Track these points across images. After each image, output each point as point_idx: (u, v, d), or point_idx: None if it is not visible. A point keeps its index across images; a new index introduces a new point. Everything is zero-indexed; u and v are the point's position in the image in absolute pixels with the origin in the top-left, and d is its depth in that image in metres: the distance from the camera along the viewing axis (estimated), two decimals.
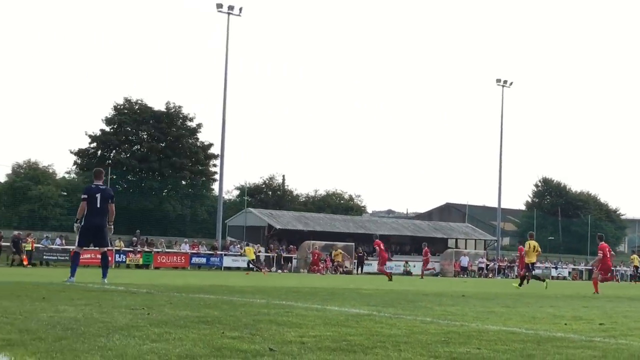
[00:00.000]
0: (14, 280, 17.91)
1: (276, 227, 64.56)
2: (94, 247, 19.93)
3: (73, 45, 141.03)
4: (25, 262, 44.24)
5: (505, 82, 75.58)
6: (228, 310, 10.22)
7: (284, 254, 59.33)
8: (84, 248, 19.91)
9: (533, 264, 31.33)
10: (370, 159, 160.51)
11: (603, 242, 26.74)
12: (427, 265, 50.89)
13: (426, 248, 49.30)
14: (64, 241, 50.97)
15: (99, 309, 9.54)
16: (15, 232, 47.95)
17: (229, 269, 53.55)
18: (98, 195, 17.87)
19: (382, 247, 39.58)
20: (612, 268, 34.25)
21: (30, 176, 70.15)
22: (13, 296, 11.62)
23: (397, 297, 16.00)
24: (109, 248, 19.63)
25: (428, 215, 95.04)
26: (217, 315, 9.18)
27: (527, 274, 31.03)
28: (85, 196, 17.89)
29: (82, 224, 17.86)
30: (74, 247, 18.85)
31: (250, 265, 48.43)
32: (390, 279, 35.12)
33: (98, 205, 17.80)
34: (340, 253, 55.49)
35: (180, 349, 6.23)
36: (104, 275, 18.13)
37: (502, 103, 76.05)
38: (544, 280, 29.99)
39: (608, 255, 26.46)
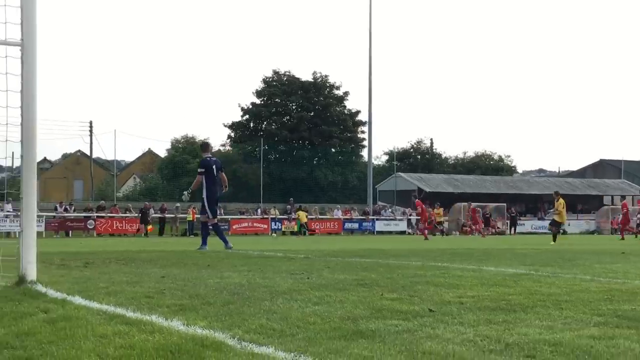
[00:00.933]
0: (179, 249, 18.57)
1: (426, 191, 64.14)
2: None
3: (225, 23, 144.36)
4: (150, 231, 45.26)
5: None
6: (385, 272, 10.29)
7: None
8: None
9: None
10: (518, 118, 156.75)
11: None
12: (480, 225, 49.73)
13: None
14: (222, 211, 52.51)
15: (261, 274, 9.79)
16: (146, 203, 49.46)
17: (381, 233, 53.88)
18: (214, 167, 18.42)
19: (423, 207, 40.01)
20: None
21: (188, 150, 72.28)
22: (180, 264, 12.08)
23: (553, 256, 15.64)
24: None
25: (581, 173, 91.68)
26: (374, 278, 9.26)
27: None
28: (203, 169, 18.39)
29: (207, 195, 18.35)
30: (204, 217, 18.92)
31: (303, 229, 49.78)
32: (426, 239, 35.45)
33: (215, 175, 18.45)
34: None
35: (342, 311, 6.33)
36: (227, 242, 18.91)
37: None
38: None
39: None
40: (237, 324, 5.61)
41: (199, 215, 48.17)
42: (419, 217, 42.63)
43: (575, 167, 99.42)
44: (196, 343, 4.90)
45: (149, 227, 45.55)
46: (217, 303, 6.65)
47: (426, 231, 38.61)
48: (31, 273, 7.64)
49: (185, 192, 20.26)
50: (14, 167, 41.16)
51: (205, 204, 18.56)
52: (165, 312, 6.11)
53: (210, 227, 19.29)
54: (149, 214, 45.92)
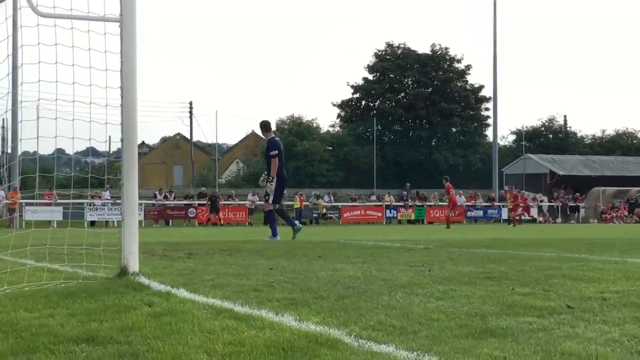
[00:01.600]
0: (287, 239, 18.66)
1: (559, 174, 62.84)
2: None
3: None
4: (222, 221, 45.15)
5: None
6: (515, 265, 10.11)
7: (570, 203, 57.66)
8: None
9: None
10: None
11: None
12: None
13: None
14: (332, 198, 52.82)
15: (377, 266, 9.76)
16: (216, 191, 49.38)
17: (507, 220, 53.15)
18: (282, 148, 18.24)
19: (451, 192, 38.49)
20: None
21: (294, 132, 72.46)
22: (289, 255, 12.09)
23: None
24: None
25: None
26: (503, 271, 9.11)
27: None
28: (276, 152, 18.01)
29: (277, 179, 18.04)
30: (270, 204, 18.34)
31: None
32: (448, 227, 34.90)
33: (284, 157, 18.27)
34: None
35: (468, 307, 6.27)
36: (294, 223, 19.20)
37: None
38: None
39: None
40: (353, 319, 5.64)
41: (306, 203, 49.27)
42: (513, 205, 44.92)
43: None
44: (310, 340, 4.95)
45: (221, 216, 45.69)
46: (331, 297, 6.69)
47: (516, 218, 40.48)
48: (133, 264, 7.82)
49: (264, 175, 19.01)
50: (111, 151, 42.32)
51: (273, 189, 18.19)
52: (276, 307, 6.18)
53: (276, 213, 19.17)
54: (218, 202, 46.22)
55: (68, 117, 7.93)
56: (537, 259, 11.23)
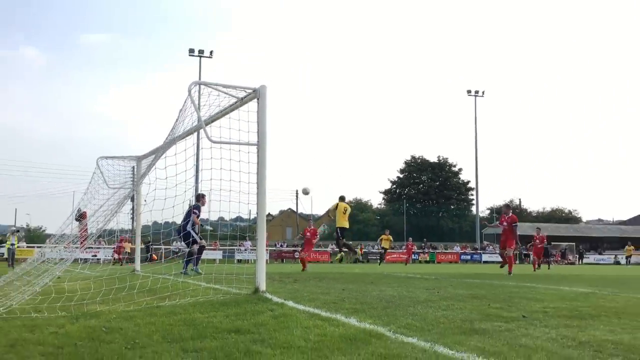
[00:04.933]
0: (354, 272, 18.44)
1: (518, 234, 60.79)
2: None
3: (373, 122, 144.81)
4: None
5: None
6: (490, 289, 9.78)
7: (524, 252, 55.29)
8: None
9: None
10: (583, 176, 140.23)
11: None
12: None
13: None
14: (376, 247, 52.37)
15: (406, 289, 9.52)
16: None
17: (486, 262, 51.47)
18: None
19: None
20: None
21: (357, 207, 73.05)
22: (354, 281, 11.84)
23: (612, 280, 14.40)
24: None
25: (633, 221, 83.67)
26: (483, 294, 8.80)
27: None
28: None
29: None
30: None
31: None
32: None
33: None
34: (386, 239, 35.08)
35: (462, 315, 6.08)
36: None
37: None
38: None
39: None
40: (392, 321, 5.53)
41: (365, 250, 48.55)
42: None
43: (628, 216, 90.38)
44: (366, 333, 4.86)
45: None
46: (378, 307, 6.57)
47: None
48: (262, 286, 7.79)
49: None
50: (251, 218, 42.81)
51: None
52: (345, 312, 6.09)
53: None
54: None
55: (225, 199, 8.07)
56: (504, 286, 10.86)
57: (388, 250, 50.00)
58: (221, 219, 11.87)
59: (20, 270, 10.78)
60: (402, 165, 77.42)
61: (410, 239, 43.40)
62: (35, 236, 52.13)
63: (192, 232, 13.43)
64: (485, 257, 53.10)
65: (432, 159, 76.94)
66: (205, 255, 37.19)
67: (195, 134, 8.43)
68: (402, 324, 5.40)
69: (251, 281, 8.37)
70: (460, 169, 76.73)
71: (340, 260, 17.98)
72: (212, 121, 8.06)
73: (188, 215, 13.45)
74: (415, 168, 75.62)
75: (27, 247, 37.53)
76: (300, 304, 6.73)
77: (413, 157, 77.01)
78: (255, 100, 7.48)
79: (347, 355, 4.06)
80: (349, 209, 17.35)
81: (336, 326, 5.17)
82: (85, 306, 6.52)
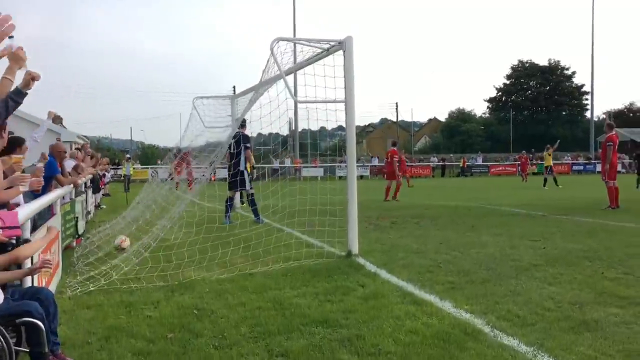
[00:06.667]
0: (452, 204, 17.01)
1: (637, 141, 56.17)
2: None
3: (480, 25, 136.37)
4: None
5: None
6: (605, 238, 8.76)
7: None
8: None
9: None
10: None
11: None
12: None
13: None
14: (481, 159, 50.79)
15: (509, 241, 8.58)
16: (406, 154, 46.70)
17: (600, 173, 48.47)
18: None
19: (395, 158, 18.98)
20: None
21: (460, 118, 71.01)
22: (453, 224, 10.90)
23: None
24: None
25: None
26: (596, 248, 7.89)
27: None
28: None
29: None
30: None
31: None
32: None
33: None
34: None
35: (571, 294, 5.54)
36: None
37: None
38: None
39: None
40: (491, 307, 5.09)
41: (468, 163, 47.02)
42: None
43: None
44: (461, 329, 4.51)
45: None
46: (477, 281, 6.09)
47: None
48: (354, 249, 7.49)
49: None
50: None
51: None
52: (441, 290, 5.72)
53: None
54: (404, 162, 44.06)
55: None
56: (622, 231, 9.70)
57: (492, 164, 48.48)
58: (323, 128, 11.13)
59: (126, 217, 11.31)
60: (508, 71, 73.15)
61: (524, 151, 41.37)
62: (149, 153, 55.31)
63: (246, 173, 11.45)
64: (599, 168, 49.83)
65: (542, 62, 71.86)
66: (307, 172, 37.86)
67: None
68: (503, 311, 4.98)
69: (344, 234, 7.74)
70: (573, 72, 71.23)
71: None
72: (298, 69, 7.67)
73: (238, 153, 11.22)
74: (523, 73, 71.09)
75: (142, 168, 39.99)
76: (394, 274, 6.42)
77: (520, 62, 72.41)
78: (341, 52, 6.94)
79: None
80: None
81: (429, 316, 4.86)
82: (181, 274, 6.63)
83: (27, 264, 4.16)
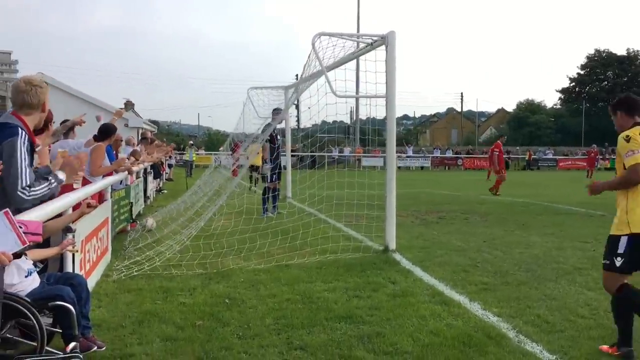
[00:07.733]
0: (508, 200, 16.46)
1: None
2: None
3: (555, 15, 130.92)
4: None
5: None
6: None
7: None
8: None
9: None
10: None
11: None
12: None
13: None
14: (552, 152, 48.93)
15: (557, 242, 8.35)
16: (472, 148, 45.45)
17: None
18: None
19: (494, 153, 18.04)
20: None
21: (528, 109, 68.59)
22: (502, 222, 10.58)
23: None
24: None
25: None
26: None
27: None
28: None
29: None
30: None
31: None
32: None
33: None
34: None
35: (607, 302, 5.24)
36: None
37: None
38: None
39: None
40: (521, 311, 4.99)
41: (535, 156, 45.51)
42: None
43: None
44: (485, 333, 4.45)
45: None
46: (513, 283, 5.96)
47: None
48: (391, 244, 7.45)
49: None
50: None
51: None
52: (473, 291, 5.65)
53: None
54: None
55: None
56: None
57: (560, 158, 46.69)
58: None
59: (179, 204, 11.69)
60: (583, 61, 70.09)
61: (594, 145, 39.63)
62: (216, 140, 56.55)
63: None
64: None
65: (620, 52, 68.40)
66: (367, 162, 37.61)
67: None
68: (532, 316, 4.87)
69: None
70: None
71: None
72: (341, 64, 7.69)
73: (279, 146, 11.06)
74: (600, 63, 67.86)
75: (206, 154, 41.04)
76: (428, 272, 6.37)
77: (597, 51, 69.05)
78: (384, 47, 6.90)
79: None
80: None
81: (455, 317, 4.82)
82: (220, 263, 6.83)
83: (68, 256, 4.40)
